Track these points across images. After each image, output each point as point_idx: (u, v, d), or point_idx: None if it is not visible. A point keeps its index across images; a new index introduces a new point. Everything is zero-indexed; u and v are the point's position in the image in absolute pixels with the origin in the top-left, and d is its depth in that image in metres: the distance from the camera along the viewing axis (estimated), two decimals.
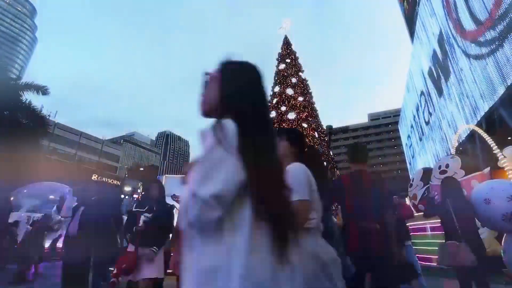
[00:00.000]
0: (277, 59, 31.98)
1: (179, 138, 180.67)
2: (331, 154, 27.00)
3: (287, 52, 31.20)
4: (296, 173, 1.36)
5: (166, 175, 13.13)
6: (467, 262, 2.46)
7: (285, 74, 29.28)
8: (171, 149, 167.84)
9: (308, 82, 30.35)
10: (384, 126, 70.82)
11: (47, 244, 8.09)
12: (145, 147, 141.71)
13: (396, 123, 30.49)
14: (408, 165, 22.07)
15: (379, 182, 2.31)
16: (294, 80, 28.59)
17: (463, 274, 2.65)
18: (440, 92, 11.53)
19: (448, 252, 2.58)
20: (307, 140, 25.53)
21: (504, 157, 5.69)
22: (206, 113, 0.88)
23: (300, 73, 30.13)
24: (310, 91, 30.07)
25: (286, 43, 31.86)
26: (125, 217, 5.98)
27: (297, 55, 31.97)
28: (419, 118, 15.92)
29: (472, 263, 2.46)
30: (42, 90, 11.71)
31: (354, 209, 2.23)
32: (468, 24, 8.21)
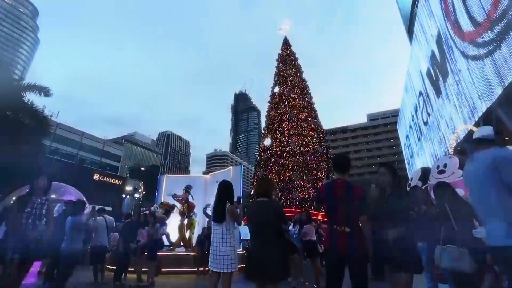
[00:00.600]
0: (277, 60, 32.02)
1: (180, 138, 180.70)
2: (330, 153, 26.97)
3: (286, 53, 31.28)
4: None
5: (167, 174, 13.25)
6: (467, 268, 2.43)
7: (285, 74, 29.35)
8: (171, 149, 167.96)
9: (307, 83, 30.36)
10: (383, 127, 70.80)
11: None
12: (146, 147, 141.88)
13: (395, 123, 30.50)
14: (406, 165, 22.11)
15: (350, 190, 2.55)
16: (293, 80, 28.66)
17: (461, 279, 2.59)
18: (438, 93, 11.58)
19: (449, 256, 2.55)
20: (306, 140, 25.55)
21: None
22: None
23: (300, 74, 30.17)
24: (309, 91, 30.10)
25: (286, 44, 31.94)
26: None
27: (296, 55, 31.96)
28: (417, 119, 15.96)
29: (472, 270, 2.42)
30: (44, 91, 11.79)
31: (328, 215, 2.63)
32: (466, 25, 8.28)
